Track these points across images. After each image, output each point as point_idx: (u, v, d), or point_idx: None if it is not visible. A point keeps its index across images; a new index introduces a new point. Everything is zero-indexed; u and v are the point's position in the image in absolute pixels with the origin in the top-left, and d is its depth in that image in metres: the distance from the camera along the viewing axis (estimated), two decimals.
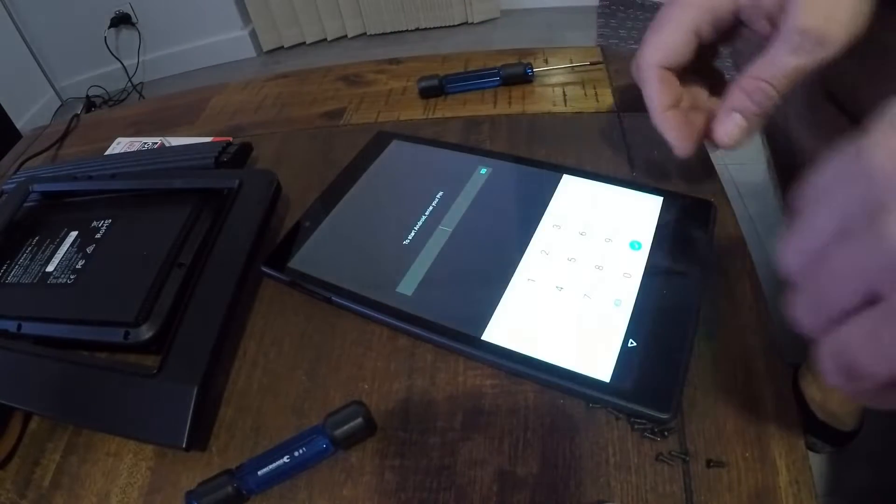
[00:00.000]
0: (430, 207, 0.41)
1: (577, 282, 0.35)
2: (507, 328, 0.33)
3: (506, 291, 0.35)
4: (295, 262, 0.40)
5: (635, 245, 0.36)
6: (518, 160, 0.45)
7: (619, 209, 0.39)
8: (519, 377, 0.32)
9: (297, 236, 0.41)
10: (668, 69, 0.37)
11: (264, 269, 0.40)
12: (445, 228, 0.40)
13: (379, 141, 0.49)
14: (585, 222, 0.38)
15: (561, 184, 0.41)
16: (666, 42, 0.36)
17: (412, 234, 0.40)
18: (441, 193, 0.42)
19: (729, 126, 0.34)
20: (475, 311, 0.34)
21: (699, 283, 0.34)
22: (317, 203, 0.44)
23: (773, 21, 0.32)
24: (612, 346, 0.31)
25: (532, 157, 0.45)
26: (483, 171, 0.44)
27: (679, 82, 0.38)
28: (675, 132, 0.37)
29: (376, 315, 0.36)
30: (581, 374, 0.30)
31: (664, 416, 0.28)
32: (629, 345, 0.31)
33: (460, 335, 0.33)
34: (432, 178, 0.44)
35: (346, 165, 0.47)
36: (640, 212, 0.38)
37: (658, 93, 0.37)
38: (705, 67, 0.39)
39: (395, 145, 0.48)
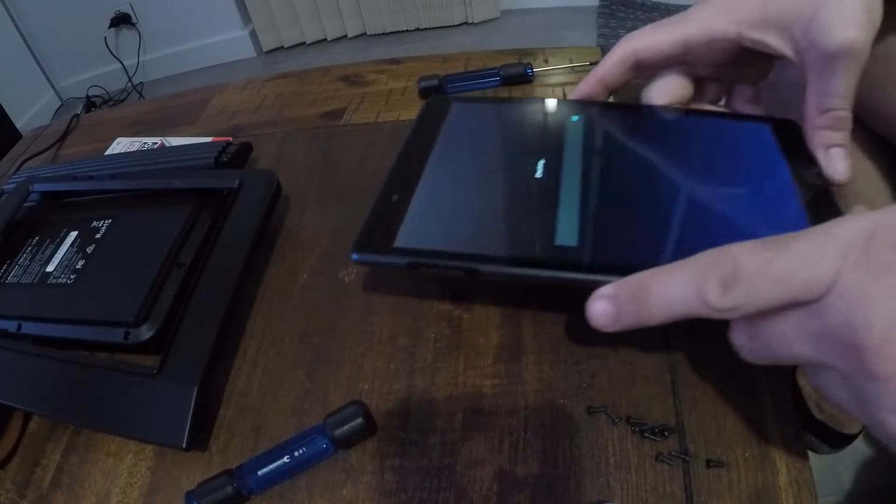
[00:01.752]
0: (543, 155, 0.37)
1: None
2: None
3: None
4: (403, 241, 0.32)
5: None
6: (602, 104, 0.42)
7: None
8: None
9: (387, 213, 0.34)
10: (642, 63, 0.36)
11: (360, 258, 0.32)
12: (574, 170, 0.36)
13: (436, 106, 0.43)
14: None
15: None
16: (652, 37, 0.36)
17: (538, 173, 0.36)
18: (543, 141, 0.38)
19: (836, 163, 0.33)
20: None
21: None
22: (394, 176, 0.37)
23: (798, 44, 0.31)
24: None
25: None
26: (575, 118, 0.40)
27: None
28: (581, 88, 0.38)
29: (544, 274, 0.30)
30: None
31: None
32: None
33: None
34: (524, 130, 0.40)
35: (409, 135, 0.40)
36: None
37: (606, 67, 0.37)
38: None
39: (456, 107, 0.42)
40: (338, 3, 2.28)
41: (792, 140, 0.36)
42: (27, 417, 0.36)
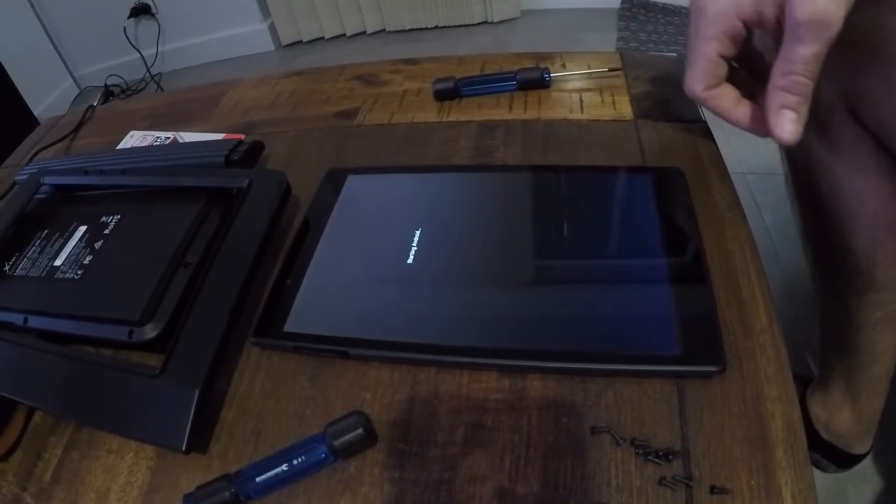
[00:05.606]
0: (417, 229, 0.40)
1: None
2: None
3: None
4: (291, 325, 0.36)
5: None
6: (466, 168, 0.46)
7: None
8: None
9: (281, 297, 0.38)
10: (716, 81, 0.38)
11: (256, 340, 0.36)
12: (448, 247, 0.39)
13: (333, 179, 0.46)
14: None
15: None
16: (702, 71, 0.38)
17: (411, 256, 0.38)
18: (418, 213, 0.42)
19: (786, 124, 0.35)
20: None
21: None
22: (288, 258, 0.40)
23: (779, 19, 0.34)
24: None
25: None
26: (461, 188, 0.45)
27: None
28: (750, 126, 0.39)
29: (410, 357, 0.34)
30: None
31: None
32: None
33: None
34: (408, 204, 0.43)
35: (307, 212, 0.44)
36: None
37: (723, 108, 0.39)
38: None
39: (350, 181, 0.46)
40: None
41: (668, 186, 0.40)
42: (30, 411, 0.36)
